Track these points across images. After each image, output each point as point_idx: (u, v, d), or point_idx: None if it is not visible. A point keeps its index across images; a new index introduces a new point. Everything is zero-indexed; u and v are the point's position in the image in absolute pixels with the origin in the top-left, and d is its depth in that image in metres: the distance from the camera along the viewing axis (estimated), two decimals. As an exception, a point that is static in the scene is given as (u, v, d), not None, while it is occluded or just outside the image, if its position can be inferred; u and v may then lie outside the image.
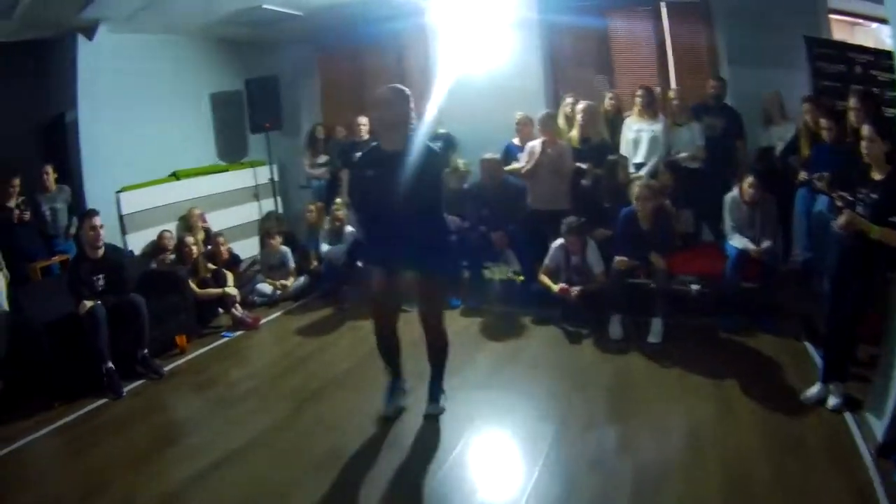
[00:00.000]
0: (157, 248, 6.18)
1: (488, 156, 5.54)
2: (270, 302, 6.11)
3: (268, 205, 7.71)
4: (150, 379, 4.55)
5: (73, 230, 5.57)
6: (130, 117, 6.25)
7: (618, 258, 4.51)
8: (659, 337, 4.34)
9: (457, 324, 5.00)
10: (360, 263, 5.53)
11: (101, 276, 4.62)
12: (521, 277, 5.53)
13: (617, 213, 4.71)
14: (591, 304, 4.66)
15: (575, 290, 4.63)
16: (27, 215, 5.30)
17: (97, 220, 4.61)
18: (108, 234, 5.77)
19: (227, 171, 7.42)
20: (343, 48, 7.55)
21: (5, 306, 4.77)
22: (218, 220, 6.87)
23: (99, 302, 4.44)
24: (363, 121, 6.42)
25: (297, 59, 7.77)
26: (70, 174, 5.94)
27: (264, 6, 5.92)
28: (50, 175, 5.57)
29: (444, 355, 3.57)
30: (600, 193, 5.22)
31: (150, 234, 6.29)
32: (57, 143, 6.12)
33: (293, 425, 3.66)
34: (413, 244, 3.17)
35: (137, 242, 6.27)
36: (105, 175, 6.04)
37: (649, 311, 4.44)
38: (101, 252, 4.66)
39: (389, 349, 3.58)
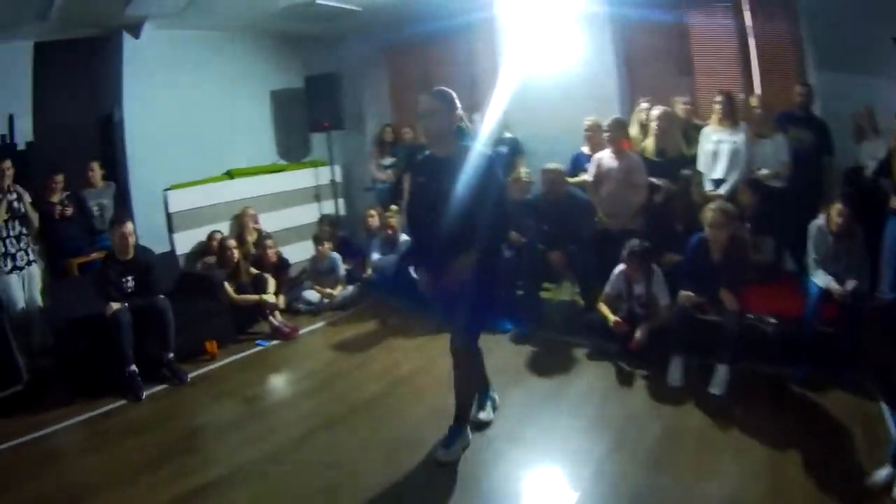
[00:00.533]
0: (205, 248, 6.04)
1: (551, 165, 5.00)
2: (316, 310, 5.84)
3: (329, 207, 7.50)
4: (173, 384, 4.46)
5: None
6: (181, 115, 6.17)
7: (683, 293, 3.90)
8: (721, 388, 3.64)
9: (503, 351, 4.52)
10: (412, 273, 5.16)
11: (130, 277, 4.58)
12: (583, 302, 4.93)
13: (689, 238, 4.08)
14: (653, 341, 4.03)
15: (637, 333, 4.05)
16: (69, 211, 5.28)
17: (128, 228, 4.60)
18: (155, 232, 5.76)
19: (285, 170, 7.24)
20: (408, 45, 7.18)
21: (38, 300, 4.89)
22: (274, 222, 6.68)
23: (126, 304, 4.41)
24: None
25: (361, 55, 7.48)
26: (118, 171, 5.93)
27: (318, 2, 5.70)
28: (96, 171, 5.56)
29: (465, 388, 3.23)
30: (673, 213, 4.59)
31: (200, 234, 6.18)
32: (105, 141, 6.12)
33: (294, 454, 3.37)
34: (455, 252, 2.96)
35: (186, 241, 6.16)
36: (152, 173, 5.98)
37: (715, 353, 3.77)
38: (131, 254, 4.61)
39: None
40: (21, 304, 4.82)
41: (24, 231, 4.84)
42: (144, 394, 4.27)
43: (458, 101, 3.01)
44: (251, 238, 6.07)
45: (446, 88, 3.04)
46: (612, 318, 4.16)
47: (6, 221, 4.73)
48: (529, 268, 4.96)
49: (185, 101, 6.21)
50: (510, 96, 5.57)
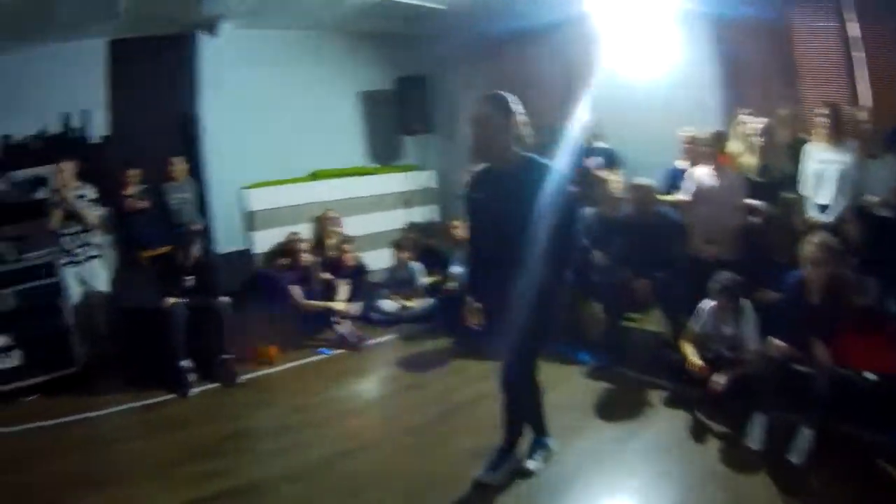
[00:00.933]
0: (282, 249, 5.91)
1: (640, 181, 4.45)
2: (390, 321, 5.52)
3: (423, 214, 7.23)
4: (223, 384, 4.40)
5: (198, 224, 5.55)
6: (262, 114, 6.14)
7: (774, 342, 3.21)
8: (803, 457, 2.88)
9: (574, 385, 3.99)
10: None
11: (191, 276, 4.57)
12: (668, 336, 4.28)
13: (788, 275, 3.40)
14: (736, 391, 3.34)
15: (718, 379, 3.37)
16: (143, 204, 5.38)
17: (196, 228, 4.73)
18: (232, 229, 5.71)
19: (373, 174, 7.03)
20: (501, 45, 6.65)
21: (101, 287, 5.01)
22: (359, 226, 6.45)
23: (183, 301, 4.42)
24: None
25: (452, 57, 7.10)
26: (196, 168, 5.98)
27: None
28: (178, 166, 5.65)
29: (517, 410, 2.91)
30: (772, 242, 3.88)
31: (280, 234, 6.07)
32: (185, 138, 6.18)
33: (316, 476, 3.12)
34: (516, 276, 2.58)
35: (266, 241, 6.10)
36: (231, 170, 5.98)
37: (801, 411, 3.05)
38: (194, 252, 4.62)
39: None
40: (80, 294, 4.94)
41: (83, 228, 4.94)
42: (194, 390, 4.28)
43: (516, 106, 2.63)
44: (331, 241, 5.87)
45: (502, 92, 2.67)
46: (693, 359, 3.52)
47: (72, 219, 4.87)
48: (612, 294, 4.40)
49: (266, 100, 6.18)
50: (603, 102, 5.06)
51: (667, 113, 5.05)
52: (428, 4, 5.76)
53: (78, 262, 4.96)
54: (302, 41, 6.58)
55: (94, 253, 5.02)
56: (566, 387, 3.85)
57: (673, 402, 3.65)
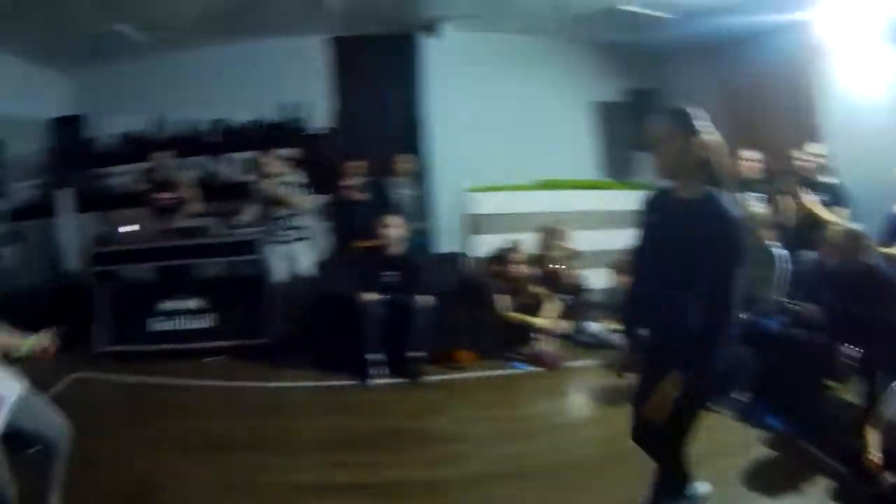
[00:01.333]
0: (499, 256, 5.84)
1: (847, 226, 3.73)
2: (597, 344, 5.18)
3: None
4: (408, 381, 4.54)
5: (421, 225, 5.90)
6: (488, 118, 6.17)
7: None
8: None
9: (742, 452, 3.33)
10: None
11: (394, 272, 4.76)
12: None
13: None
14: None
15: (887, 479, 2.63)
16: (361, 195, 5.76)
17: (394, 222, 4.85)
18: (452, 231, 5.93)
19: (604, 188, 6.63)
20: (737, 59, 6.00)
21: (304, 268, 5.56)
22: (586, 242, 6.10)
23: (383, 297, 4.62)
24: (748, 155, 4.94)
25: (686, 70, 6.52)
26: (422, 167, 6.25)
27: (621, 7, 5.13)
28: (402, 164, 5.94)
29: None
30: None
31: (502, 240, 5.88)
32: (409, 136, 6.45)
33: (449, 494, 3.07)
34: (676, 324, 2.16)
35: (486, 245, 6.05)
36: (454, 172, 6.10)
37: None
38: (400, 249, 4.82)
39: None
40: (283, 273, 5.52)
41: (291, 211, 5.49)
42: (377, 382, 4.48)
43: (701, 124, 2.18)
44: (554, 254, 5.68)
45: (685, 107, 2.25)
46: (871, 450, 2.78)
47: (273, 203, 5.46)
48: (810, 357, 3.70)
49: (492, 104, 6.22)
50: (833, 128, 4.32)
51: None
52: (650, 12, 5.41)
53: (284, 243, 5.54)
54: (528, 47, 6.55)
55: (301, 235, 5.56)
56: (734, 455, 3.26)
57: (842, 497, 2.90)
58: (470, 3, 5.57)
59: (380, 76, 6.56)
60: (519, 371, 4.77)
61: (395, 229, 4.89)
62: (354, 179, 5.86)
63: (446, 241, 6.10)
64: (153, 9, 5.47)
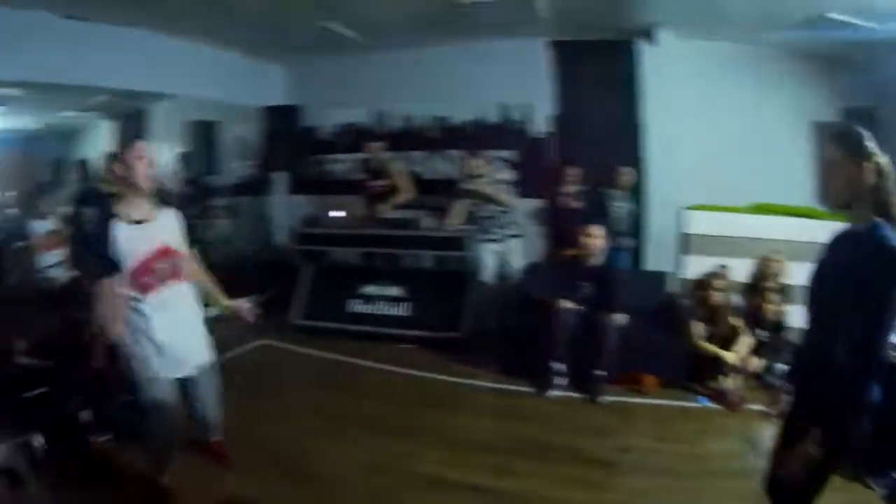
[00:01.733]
0: (705, 280, 5.53)
1: None
2: (784, 388, 4.71)
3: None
4: (586, 399, 4.50)
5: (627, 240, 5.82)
6: (705, 133, 5.77)
7: None
8: None
9: None
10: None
11: (589, 283, 4.71)
12: None
13: None
14: None
15: None
16: (576, 204, 5.72)
17: (596, 232, 4.78)
18: (663, 248, 5.87)
19: (823, 219, 5.89)
20: None
21: (516, 267, 5.74)
22: (794, 275, 5.56)
23: (577, 307, 4.62)
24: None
25: None
26: (639, 181, 6.11)
27: (828, 15, 4.65)
28: (622, 176, 5.81)
29: None
30: None
31: (711, 263, 5.48)
32: (630, 148, 6.24)
33: None
34: (821, 371, 1.92)
35: (696, 267, 5.65)
36: (670, 188, 5.82)
37: None
38: (597, 260, 4.77)
39: None
40: (491, 271, 5.71)
41: (501, 209, 5.64)
42: (555, 393, 4.50)
43: (873, 147, 1.95)
44: (766, 286, 5.26)
45: (855, 127, 2.03)
46: None
47: (484, 201, 5.64)
48: None
49: (708, 116, 5.84)
50: None
51: None
52: (854, 21, 4.89)
53: (496, 241, 5.69)
54: (747, 57, 6.12)
55: (513, 233, 5.68)
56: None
57: None
58: (682, 9, 5.31)
59: (598, 82, 6.50)
60: (699, 406, 4.47)
61: (596, 240, 4.82)
62: (571, 186, 5.86)
63: (654, 259, 5.91)
64: (364, 8, 5.81)
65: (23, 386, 3.67)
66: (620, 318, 4.57)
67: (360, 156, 6.84)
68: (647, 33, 5.99)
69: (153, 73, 6.49)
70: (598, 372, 4.50)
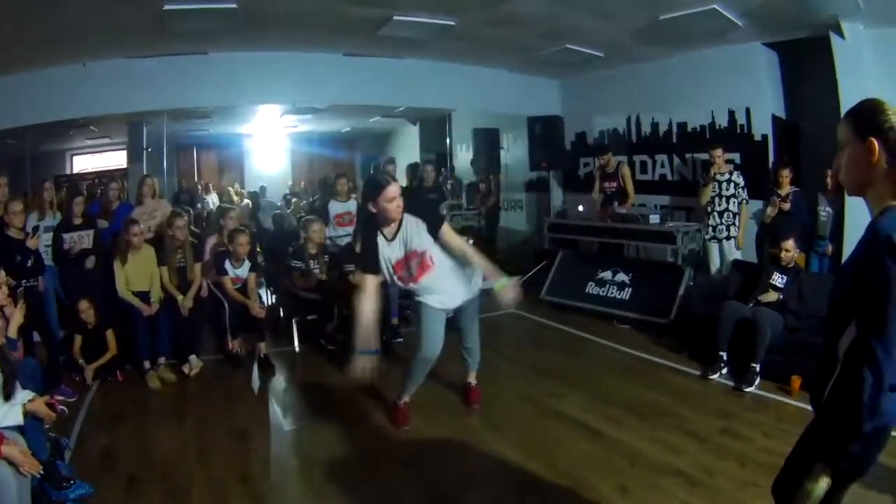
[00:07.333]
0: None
1: None
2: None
3: None
4: (734, 387, 4.90)
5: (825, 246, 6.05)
6: None
7: None
8: None
9: None
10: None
11: (783, 284, 5.31)
12: None
13: None
14: None
15: None
16: (786, 206, 6.10)
17: (788, 245, 5.27)
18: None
19: None
20: None
21: (718, 264, 6.59)
22: None
23: (754, 304, 5.27)
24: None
25: None
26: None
27: None
28: (826, 178, 5.86)
29: None
30: None
31: None
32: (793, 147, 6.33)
33: None
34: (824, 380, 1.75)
35: None
36: None
37: None
38: (791, 262, 5.33)
39: None
40: (715, 266, 6.48)
41: (731, 209, 6.30)
42: (715, 377, 5.06)
43: (888, 124, 1.64)
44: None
45: (873, 100, 1.74)
46: None
47: (717, 199, 6.34)
48: None
49: None
50: None
51: None
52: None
53: (718, 239, 6.45)
54: None
55: (735, 233, 6.41)
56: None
57: None
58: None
59: (813, 82, 6.47)
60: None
61: (790, 253, 5.29)
62: (784, 188, 6.17)
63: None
64: (596, 33, 6.94)
65: (302, 310, 6.10)
66: (765, 317, 4.97)
67: (598, 160, 8.02)
68: (836, 27, 5.78)
69: (449, 94, 8.97)
70: (753, 364, 4.88)
